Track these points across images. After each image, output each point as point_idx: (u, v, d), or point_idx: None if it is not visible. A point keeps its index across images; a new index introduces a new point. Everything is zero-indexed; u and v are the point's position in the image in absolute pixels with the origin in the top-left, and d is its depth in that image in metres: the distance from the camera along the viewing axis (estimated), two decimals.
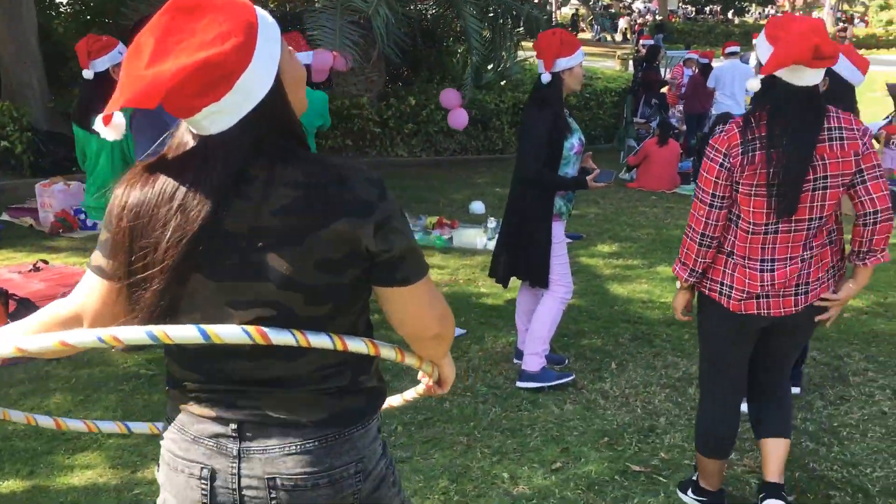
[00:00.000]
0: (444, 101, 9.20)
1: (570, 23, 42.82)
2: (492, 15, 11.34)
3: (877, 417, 3.89)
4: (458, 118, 8.91)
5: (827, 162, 2.63)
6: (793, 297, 2.78)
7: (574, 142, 4.07)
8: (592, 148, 13.28)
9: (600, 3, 48.93)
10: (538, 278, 4.17)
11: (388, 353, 1.60)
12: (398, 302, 1.56)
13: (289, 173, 1.42)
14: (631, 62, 15.08)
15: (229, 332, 1.40)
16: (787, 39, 2.57)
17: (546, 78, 3.97)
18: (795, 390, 4.14)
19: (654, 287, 5.95)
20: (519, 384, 4.21)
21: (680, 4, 43.22)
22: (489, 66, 13.30)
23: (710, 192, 2.75)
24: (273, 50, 1.43)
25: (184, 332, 1.39)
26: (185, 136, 1.45)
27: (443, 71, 12.92)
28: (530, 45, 13.89)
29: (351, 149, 11.39)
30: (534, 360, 4.20)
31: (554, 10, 42.85)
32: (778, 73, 2.62)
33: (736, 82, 10.71)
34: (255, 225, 1.40)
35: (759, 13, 48.98)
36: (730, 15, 39.08)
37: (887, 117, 12.51)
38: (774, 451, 3.03)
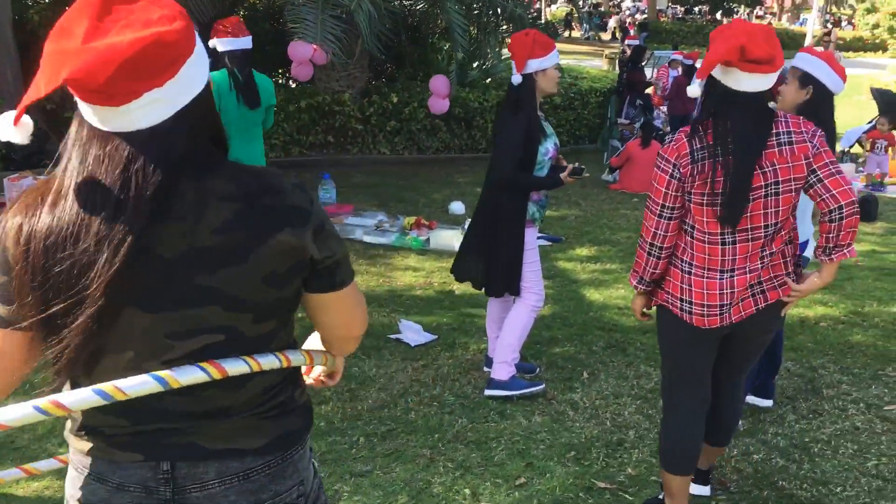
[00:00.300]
0: (433, 87, 9.12)
1: (563, 21, 42.90)
2: (476, 12, 11.25)
3: (849, 433, 3.82)
4: (440, 105, 8.86)
5: (777, 167, 2.59)
6: (751, 298, 2.75)
7: (549, 146, 3.98)
8: (577, 148, 13.27)
9: (589, 2, 49.11)
10: (509, 285, 4.08)
11: (318, 359, 1.57)
12: (332, 306, 1.51)
13: (220, 186, 1.32)
14: (617, 62, 14.96)
15: (187, 375, 1.31)
16: (718, 41, 2.55)
17: (516, 79, 3.89)
18: (767, 403, 4.08)
19: (630, 293, 5.86)
20: (487, 392, 4.11)
21: (669, 4, 43.25)
22: (474, 64, 13.23)
23: (660, 203, 2.72)
24: (202, 45, 1.36)
25: (139, 384, 1.28)
26: (90, 142, 1.28)
27: (427, 68, 12.81)
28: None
29: (332, 146, 11.26)
30: (503, 369, 4.11)
31: (543, 8, 43.00)
32: (718, 78, 2.61)
33: None
34: (193, 246, 1.29)
35: (748, 14, 49.10)
36: (718, 16, 39.10)
37: (871, 121, 12.51)
38: (710, 454, 3.20)
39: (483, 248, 4.09)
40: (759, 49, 2.52)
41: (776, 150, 2.61)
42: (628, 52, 13.37)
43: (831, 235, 2.65)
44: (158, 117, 1.27)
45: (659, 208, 2.71)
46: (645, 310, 3.02)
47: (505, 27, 11.73)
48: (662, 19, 39.87)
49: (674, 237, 2.76)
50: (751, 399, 4.06)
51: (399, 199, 9.04)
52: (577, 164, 4.00)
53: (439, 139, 11.87)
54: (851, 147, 12.38)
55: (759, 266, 2.71)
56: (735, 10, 41.18)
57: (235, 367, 1.35)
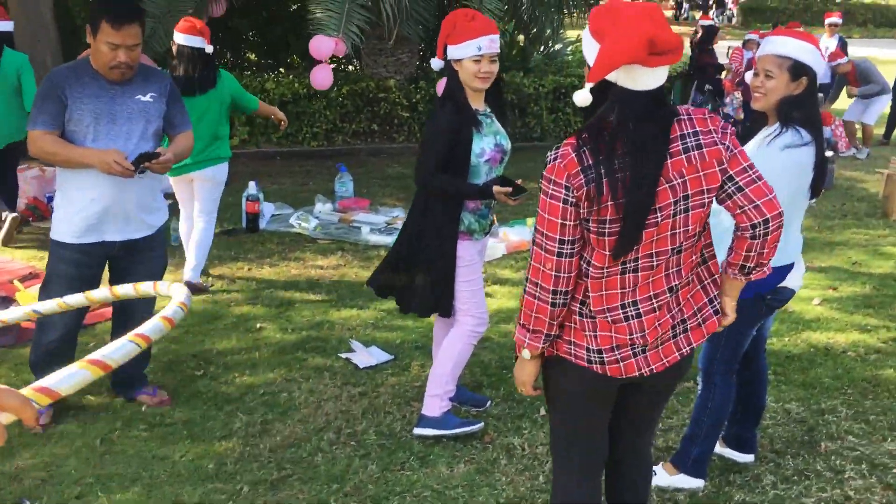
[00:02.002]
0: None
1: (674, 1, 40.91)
2: None
3: None
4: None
5: (686, 179, 2.09)
6: (672, 342, 2.25)
7: (484, 146, 3.41)
8: None
9: None
10: (437, 304, 3.56)
11: None
12: None
13: None
14: (688, 43, 13.81)
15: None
16: (615, 33, 1.97)
17: (436, 65, 3.43)
18: (747, 458, 3.41)
19: None
20: (415, 431, 3.59)
21: None
22: (540, 48, 12.51)
23: (557, 237, 2.13)
24: None
25: None
26: None
27: None
28: (577, 23, 13.06)
29: (378, 134, 10.85)
30: (434, 403, 3.58)
31: None
32: (611, 78, 2.03)
33: None
34: None
35: None
36: None
37: None
38: None
39: (407, 260, 3.57)
40: (668, 37, 1.98)
41: (683, 157, 2.08)
42: (700, 32, 12.36)
43: (752, 254, 2.21)
44: None
45: (556, 245, 2.13)
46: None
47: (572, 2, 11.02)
48: None
49: (576, 276, 2.20)
50: (725, 452, 3.41)
51: None
52: (520, 183, 3.40)
53: None
54: None
55: (668, 292, 2.20)
56: None
57: None
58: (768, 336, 3.58)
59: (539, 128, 11.61)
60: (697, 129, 2.10)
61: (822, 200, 8.48)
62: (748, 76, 2.32)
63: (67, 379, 1.25)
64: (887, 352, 4.54)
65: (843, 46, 11.70)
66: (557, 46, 12.94)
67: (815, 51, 2.93)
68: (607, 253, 2.13)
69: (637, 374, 2.23)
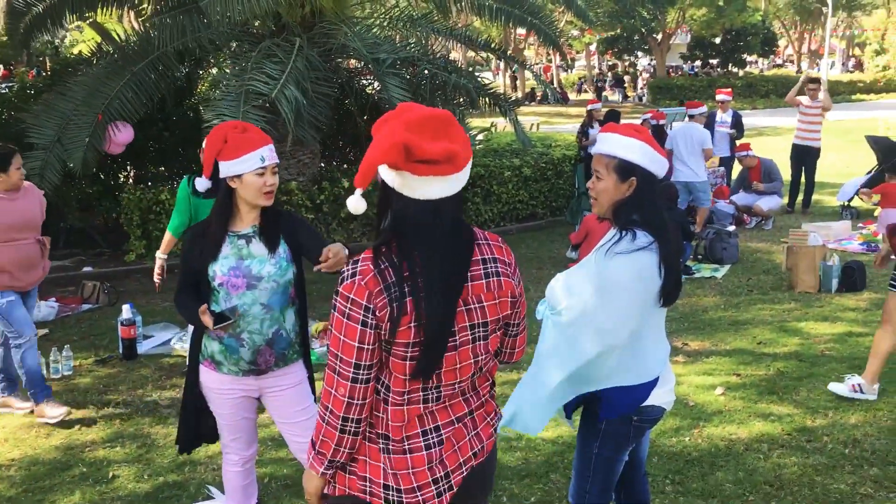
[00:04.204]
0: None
1: (575, 86, 42.46)
2: (423, 85, 10.53)
3: None
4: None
5: (485, 305, 2.04)
6: (472, 455, 2.14)
7: (217, 269, 3.01)
8: (554, 221, 12.33)
9: (606, 63, 48.79)
10: (180, 437, 3.33)
11: None
12: None
13: None
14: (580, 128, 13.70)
15: None
16: (378, 137, 1.87)
17: (201, 185, 3.15)
18: None
19: None
20: None
21: (686, 62, 42.45)
22: None
23: (354, 361, 1.94)
24: None
25: None
26: None
27: None
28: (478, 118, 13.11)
29: None
30: None
31: (555, 74, 42.64)
32: (390, 184, 1.92)
33: (689, 147, 9.76)
34: None
35: (765, 64, 48.16)
36: (732, 68, 38.19)
37: (869, 171, 11.45)
38: None
39: None
40: (430, 146, 1.84)
41: (483, 282, 2.03)
42: (596, 115, 12.44)
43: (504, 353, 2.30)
44: None
45: (352, 370, 1.95)
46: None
47: (459, 100, 10.98)
48: (673, 76, 39.06)
49: (372, 402, 2.03)
50: None
51: (329, 296, 8.15)
52: (229, 309, 3.01)
53: None
54: (850, 200, 11.32)
55: (468, 416, 2.13)
56: (747, 61, 40.29)
57: None
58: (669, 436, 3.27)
59: None
60: (496, 256, 2.08)
61: (729, 276, 8.40)
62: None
63: None
64: (790, 445, 4.27)
65: (737, 121, 11.91)
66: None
67: (643, 147, 2.62)
68: (406, 377, 1.97)
69: None
